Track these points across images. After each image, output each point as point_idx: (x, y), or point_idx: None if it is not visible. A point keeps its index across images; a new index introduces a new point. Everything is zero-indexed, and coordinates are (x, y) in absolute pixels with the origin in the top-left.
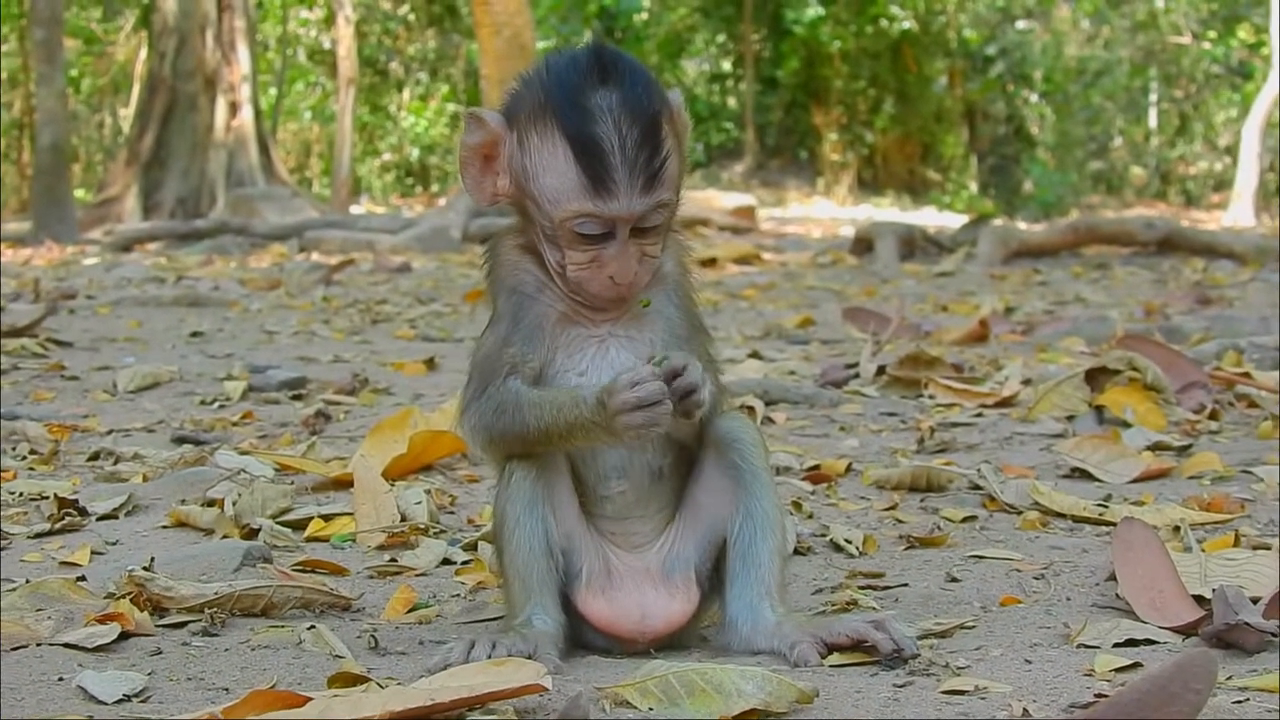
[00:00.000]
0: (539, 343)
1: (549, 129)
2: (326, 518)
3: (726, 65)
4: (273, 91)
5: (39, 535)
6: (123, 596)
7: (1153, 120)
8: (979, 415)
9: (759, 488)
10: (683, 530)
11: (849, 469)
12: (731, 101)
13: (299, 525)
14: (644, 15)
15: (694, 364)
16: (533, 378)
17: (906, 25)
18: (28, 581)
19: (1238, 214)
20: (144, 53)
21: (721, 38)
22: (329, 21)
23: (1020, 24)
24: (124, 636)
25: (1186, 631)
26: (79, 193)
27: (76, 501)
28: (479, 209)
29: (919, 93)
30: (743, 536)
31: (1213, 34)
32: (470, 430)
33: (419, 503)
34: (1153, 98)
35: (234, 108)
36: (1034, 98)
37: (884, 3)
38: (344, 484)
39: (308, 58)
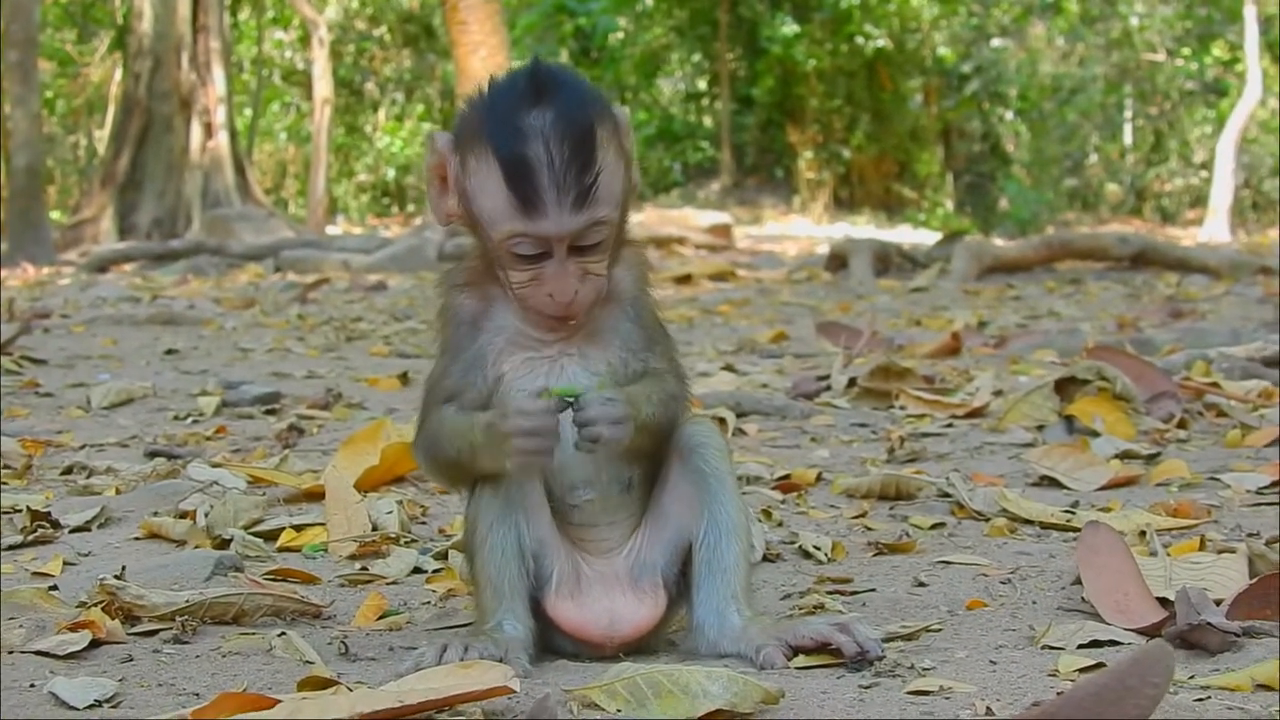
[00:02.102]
0: (479, 373)
1: (484, 151)
2: (298, 528)
3: (702, 84)
4: (248, 112)
5: (11, 548)
6: (94, 605)
7: (1128, 137)
8: (949, 425)
9: (723, 493)
10: (649, 536)
11: (819, 478)
12: (707, 120)
13: (271, 536)
14: (620, 35)
15: (614, 405)
16: (475, 407)
17: (881, 44)
18: None
19: (1213, 230)
20: (119, 74)
21: (697, 57)
22: (304, 42)
23: (995, 42)
24: (95, 644)
25: (1150, 633)
26: (54, 214)
27: (49, 514)
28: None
29: (894, 111)
30: (708, 541)
31: (1187, 51)
32: (417, 458)
33: (390, 512)
34: (1128, 115)
35: (209, 129)
36: (1009, 115)
37: (859, 21)
38: (316, 496)
39: (283, 78)
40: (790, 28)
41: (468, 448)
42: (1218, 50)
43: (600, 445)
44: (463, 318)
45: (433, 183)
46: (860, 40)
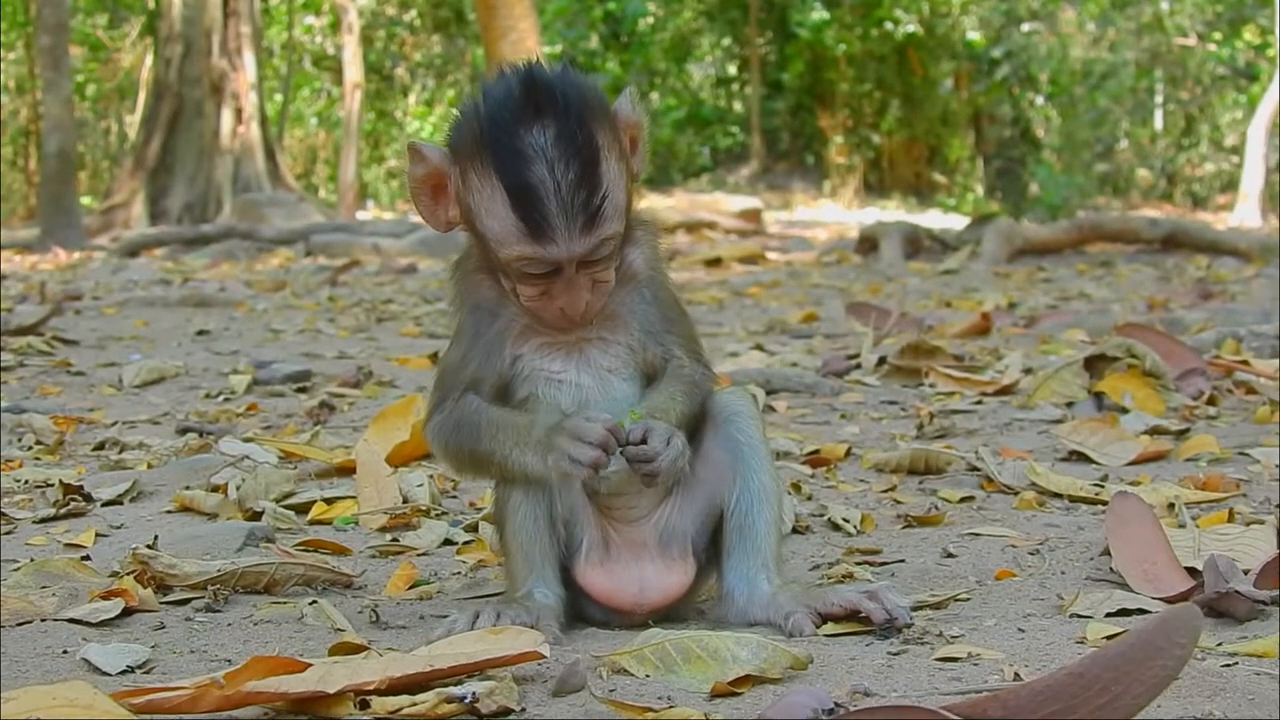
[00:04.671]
0: (498, 357)
1: (487, 172)
2: (329, 501)
3: (732, 69)
4: (278, 98)
5: (44, 520)
6: (127, 574)
7: (1159, 122)
8: (979, 403)
9: (756, 461)
10: (679, 503)
11: (849, 453)
12: (737, 105)
13: (302, 509)
14: (649, 20)
15: (657, 431)
16: (493, 393)
17: (911, 28)
18: (32, 560)
19: (1244, 215)
20: (150, 59)
21: (727, 41)
22: (335, 27)
23: (1025, 26)
24: (128, 612)
25: (1179, 601)
26: (85, 199)
27: (81, 488)
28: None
29: (925, 96)
30: (739, 509)
31: (1218, 35)
32: (431, 440)
33: (421, 486)
34: (1158, 99)
35: (240, 114)
36: (1040, 100)
37: (888, 6)
38: (347, 470)
39: (313, 64)
40: (820, 12)
41: (508, 449)
42: (1249, 35)
43: (654, 478)
44: (478, 302)
45: (422, 193)
46: (890, 25)
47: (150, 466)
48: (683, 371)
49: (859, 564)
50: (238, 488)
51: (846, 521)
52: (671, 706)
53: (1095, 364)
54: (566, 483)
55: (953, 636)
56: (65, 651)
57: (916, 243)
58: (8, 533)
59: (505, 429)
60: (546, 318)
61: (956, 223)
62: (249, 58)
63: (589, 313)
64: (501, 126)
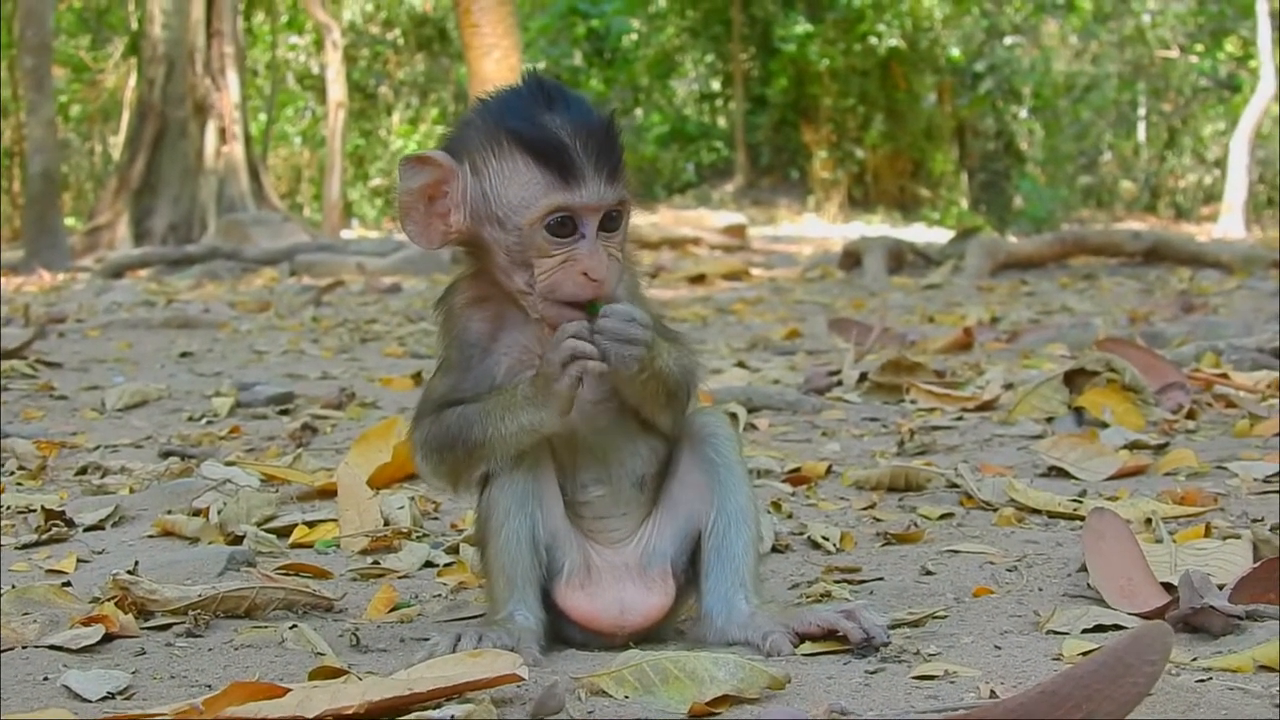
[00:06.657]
0: (486, 390)
1: (505, 148)
2: (311, 524)
3: (716, 85)
4: (262, 117)
5: (26, 546)
6: (108, 600)
7: (1142, 134)
8: (959, 419)
9: (733, 482)
10: (659, 525)
11: (829, 471)
12: (721, 121)
13: (284, 532)
14: (633, 36)
15: (621, 314)
16: None
17: (894, 43)
18: (14, 587)
19: (1228, 226)
20: (133, 80)
21: (710, 57)
22: (318, 46)
23: (1008, 40)
24: (109, 638)
25: (1155, 617)
26: (70, 220)
27: (64, 513)
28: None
29: (908, 110)
30: (717, 530)
31: (1200, 47)
32: (419, 451)
33: (402, 508)
34: (1141, 112)
35: (224, 134)
36: (1023, 113)
37: (871, 20)
38: (329, 493)
39: (297, 83)
40: (803, 27)
41: (509, 408)
42: (1230, 46)
43: (612, 360)
44: (470, 339)
45: (416, 206)
46: (873, 39)
47: (132, 491)
48: (679, 345)
49: (838, 582)
50: (219, 511)
51: (826, 539)
52: None
53: (1075, 379)
54: (571, 403)
55: (930, 654)
56: (46, 678)
57: (900, 257)
58: None
59: (493, 405)
60: (567, 291)
61: (941, 236)
62: (233, 77)
63: (608, 284)
64: (518, 109)
